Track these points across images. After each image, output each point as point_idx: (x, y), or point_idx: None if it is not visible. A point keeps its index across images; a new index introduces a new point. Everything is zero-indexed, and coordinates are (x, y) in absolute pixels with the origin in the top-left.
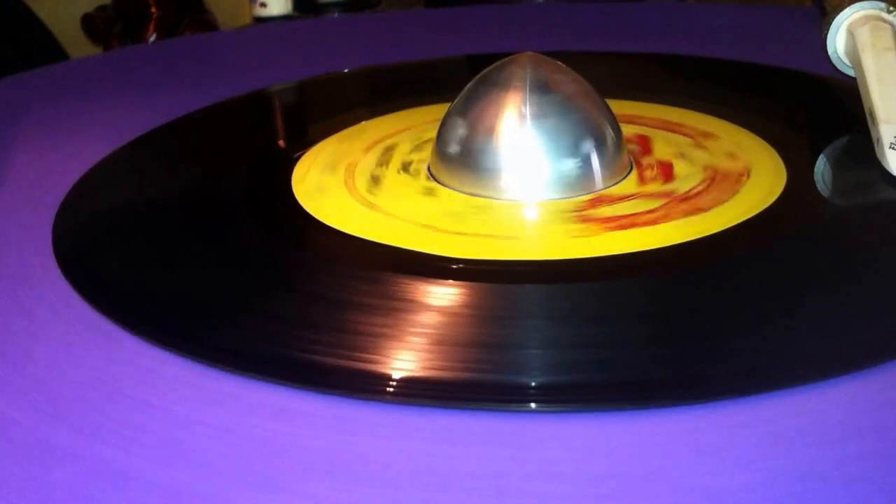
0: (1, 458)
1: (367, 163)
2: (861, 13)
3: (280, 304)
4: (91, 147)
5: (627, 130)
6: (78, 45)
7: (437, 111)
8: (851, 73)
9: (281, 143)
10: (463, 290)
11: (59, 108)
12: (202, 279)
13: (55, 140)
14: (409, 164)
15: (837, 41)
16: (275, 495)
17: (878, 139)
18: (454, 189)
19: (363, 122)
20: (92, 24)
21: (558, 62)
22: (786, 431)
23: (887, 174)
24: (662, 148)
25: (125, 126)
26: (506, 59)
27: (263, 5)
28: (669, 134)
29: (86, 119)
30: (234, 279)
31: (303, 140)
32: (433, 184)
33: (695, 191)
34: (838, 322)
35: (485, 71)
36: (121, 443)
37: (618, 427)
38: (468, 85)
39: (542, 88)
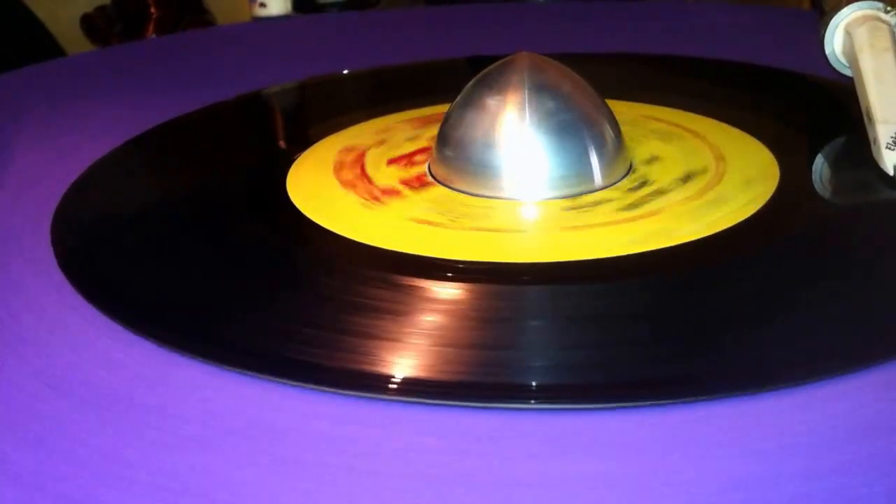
0: (1, 459)
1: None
2: (859, 13)
3: (279, 304)
4: (89, 146)
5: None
6: (77, 45)
7: (437, 111)
8: (849, 73)
9: (279, 143)
10: (463, 291)
11: (56, 107)
12: (200, 278)
13: (53, 139)
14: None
15: (835, 41)
16: (274, 494)
17: (875, 139)
18: (454, 189)
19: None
20: (91, 25)
21: (557, 62)
22: (785, 430)
23: (883, 174)
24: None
25: (123, 125)
26: (505, 60)
27: (263, 5)
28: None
29: (84, 118)
30: (233, 279)
31: (301, 140)
32: (433, 184)
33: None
34: (836, 321)
35: (484, 71)
36: (121, 441)
37: (618, 426)
38: (468, 85)
39: (541, 88)
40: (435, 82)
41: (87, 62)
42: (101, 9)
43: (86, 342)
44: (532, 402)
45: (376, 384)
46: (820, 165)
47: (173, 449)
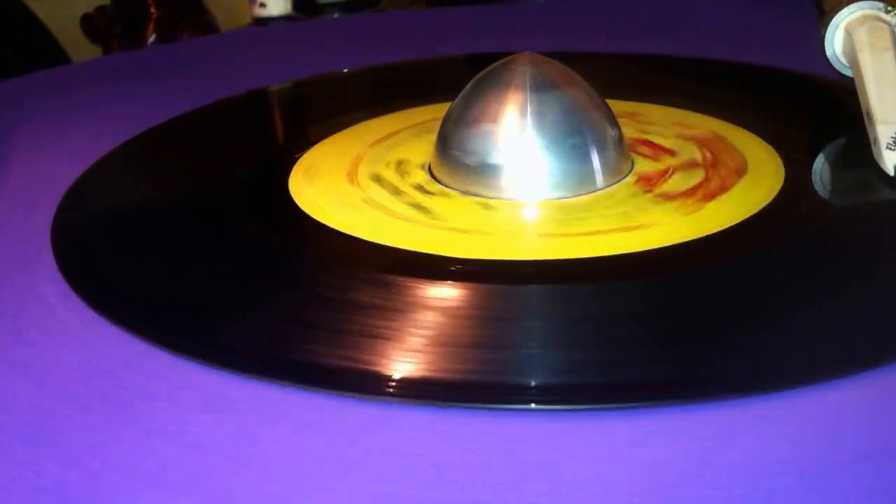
0: (0, 461)
1: (367, 163)
2: (859, 13)
3: (279, 304)
4: (89, 147)
5: (626, 130)
6: (78, 45)
7: (437, 111)
8: (849, 73)
9: (281, 142)
10: (463, 291)
11: (56, 110)
12: (200, 278)
13: (53, 139)
14: (409, 164)
15: (835, 41)
16: (274, 495)
17: (875, 139)
18: (454, 189)
19: (363, 122)
20: (91, 25)
21: (557, 62)
22: (785, 432)
23: (884, 174)
24: (660, 147)
25: (123, 126)
26: (506, 59)
27: (263, 5)
28: (667, 133)
29: (84, 119)
30: (234, 279)
31: (303, 140)
32: (433, 184)
33: (692, 191)
34: (836, 322)
35: (485, 71)
36: (120, 442)
37: (617, 427)
38: (468, 85)
39: (542, 88)
40: (435, 82)
41: (87, 69)
42: (101, 9)
43: (85, 343)
44: (532, 402)
45: (376, 384)
46: (820, 165)
47: (173, 450)
